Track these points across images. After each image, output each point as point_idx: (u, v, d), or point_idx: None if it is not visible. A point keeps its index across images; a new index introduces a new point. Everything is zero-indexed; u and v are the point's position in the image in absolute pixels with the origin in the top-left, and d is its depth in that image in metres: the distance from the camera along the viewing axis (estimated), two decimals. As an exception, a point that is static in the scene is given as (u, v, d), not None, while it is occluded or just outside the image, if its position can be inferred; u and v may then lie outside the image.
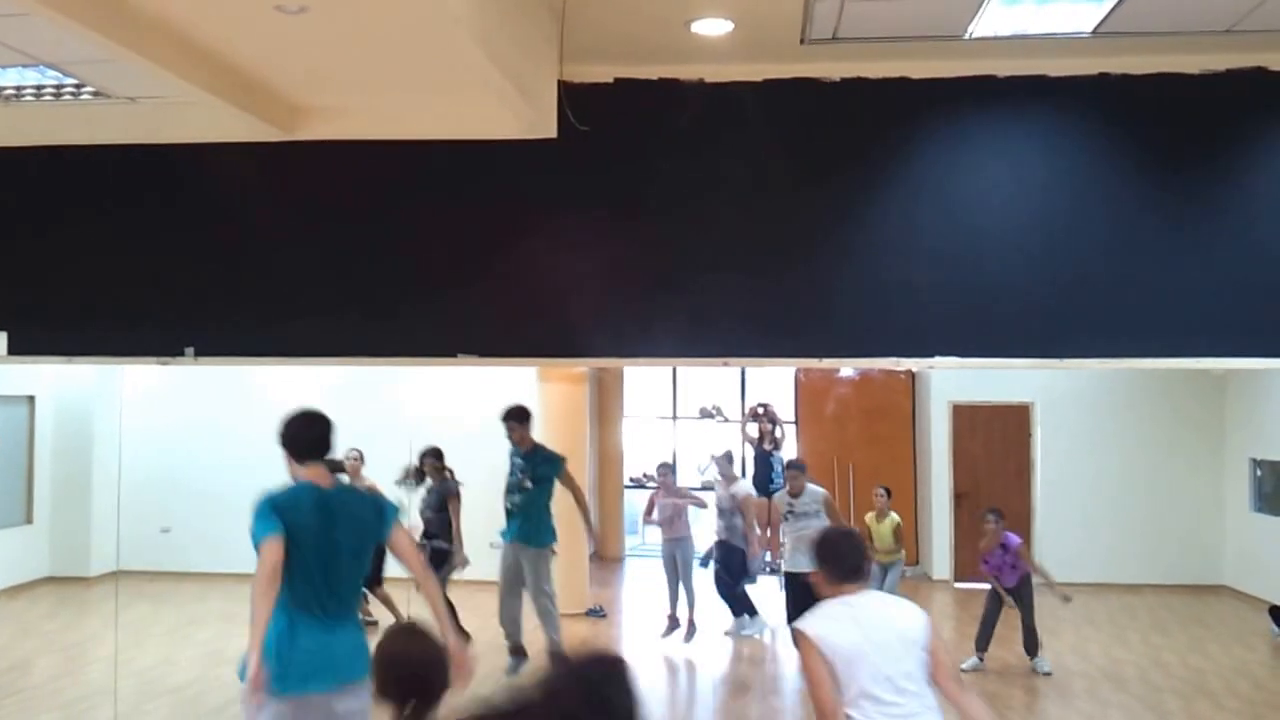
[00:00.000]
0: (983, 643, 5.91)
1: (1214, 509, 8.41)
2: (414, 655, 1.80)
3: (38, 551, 8.18)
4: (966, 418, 8.76)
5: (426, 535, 6.13)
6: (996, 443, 8.73)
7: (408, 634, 1.89)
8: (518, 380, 8.00)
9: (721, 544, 6.62)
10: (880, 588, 6.50)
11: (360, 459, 7.02)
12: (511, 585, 5.48)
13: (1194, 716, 5.08)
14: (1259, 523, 7.94)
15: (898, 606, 2.42)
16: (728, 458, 6.82)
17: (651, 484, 10.34)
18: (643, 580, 9.06)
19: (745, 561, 6.59)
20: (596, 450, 9.52)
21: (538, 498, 5.44)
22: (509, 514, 5.51)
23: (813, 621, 2.35)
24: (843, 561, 2.38)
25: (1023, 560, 5.88)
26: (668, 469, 7.01)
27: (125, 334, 3.91)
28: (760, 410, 8.38)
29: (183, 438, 8.71)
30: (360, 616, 2.83)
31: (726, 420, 9.68)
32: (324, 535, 2.67)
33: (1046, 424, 8.60)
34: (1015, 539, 5.93)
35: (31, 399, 8.32)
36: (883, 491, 6.60)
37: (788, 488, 5.78)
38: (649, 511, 6.78)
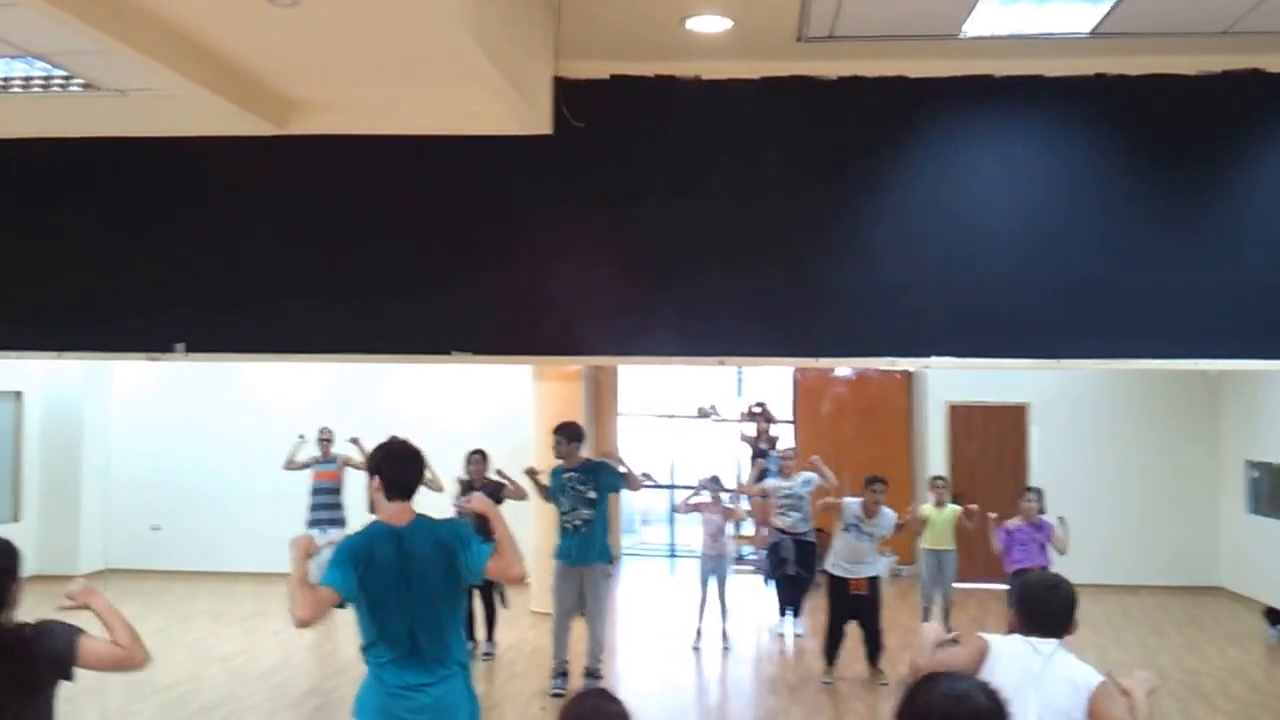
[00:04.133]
0: None
1: (1209, 510, 8.42)
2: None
3: (25, 549, 8.00)
4: (963, 418, 8.76)
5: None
6: (993, 443, 8.73)
7: (587, 699, 1.77)
8: (513, 378, 7.98)
9: (800, 540, 6.47)
10: (939, 577, 6.43)
11: (331, 439, 7.09)
12: (571, 610, 5.31)
13: (1189, 718, 5.07)
14: (1254, 524, 7.95)
15: (1075, 670, 2.18)
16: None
17: (650, 483, 10.29)
18: (640, 579, 9.04)
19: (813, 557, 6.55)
20: (593, 449, 9.48)
21: (603, 510, 5.30)
22: (570, 532, 5.26)
23: (997, 639, 2.25)
24: (1047, 614, 2.20)
25: (1052, 545, 5.69)
26: (717, 483, 6.59)
27: (115, 329, 3.87)
28: (757, 409, 8.36)
29: (173, 435, 8.65)
30: (456, 666, 2.53)
31: (723, 419, 9.65)
32: (398, 580, 2.46)
33: (1043, 425, 8.61)
34: (1050, 522, 5.81)
35: (19, 395, 8.25)
36: (942, 481, 6.58)
37: (864, 506, 5.49)
38: (687, 506, 6.55)
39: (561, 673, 5.32)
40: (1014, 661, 2.18)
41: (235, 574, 8.23)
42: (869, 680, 5.56)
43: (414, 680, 2.47)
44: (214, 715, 4.99)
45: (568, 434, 5.34)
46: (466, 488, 5.94)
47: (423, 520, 2.58)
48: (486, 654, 6.12)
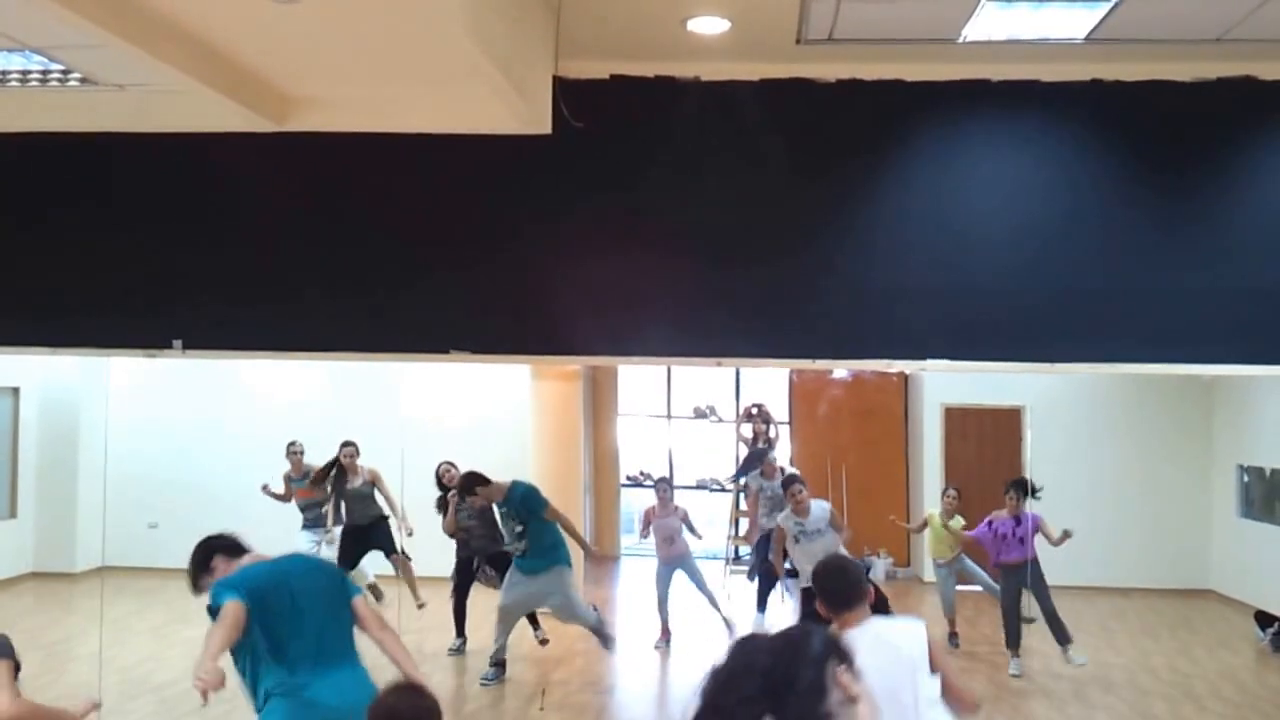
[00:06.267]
0: (1014, 640, 5.82)
1: (1202, 514, 8.46)
2: (404, 713, 1.86)
3: (21, 546, 8.09)
4: (958, 420, 8.79)
5: (468, 548, 5.98)
6: (988, 446, 8.76)
7: (398, 692, 1.95)
8: (511, 378, 7.98)
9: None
10: (950, 587, 6.45)
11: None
12: (518, 609, 5.45)
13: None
14: (1245, 528, 7.99)
15: (895, 629, 2.38)
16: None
17: (648, 482, 10.31)
18: (638, 579, 9.04)
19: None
20: (591, 448, 9.49)
21: (537, 532, 5.32)
22: (517, 555, 5.40)
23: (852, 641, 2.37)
24: (839, 593, 2.37)
25: (1039, 535, 5.76)
26: (666, 485, 6.48)
27: (112, 325, 3.87)
28: (754, 411, 8.37)
29: (170, 432, 8.63)
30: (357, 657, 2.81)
31: (720, 420, 9.67)
32: (290, 592, 2.80)
33: (1037, 428, 8.63)
34: (1036, 516, 5.87)
35: (16, 390, 8.23)
36: (953, 493, 6.60)
37: (792, 509, 5.41)
38: (645, 527, 6.39)
39: (500, 664, 5.43)
40: (871, 657, 2.17)
41: (231, 572, 8.20)
42: None
43: (328, 672, 2.69)
44: (208, 714, 4.98)
45: (473, 486, 5.38)
46: (443, 492, 5.94)
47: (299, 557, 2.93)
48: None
